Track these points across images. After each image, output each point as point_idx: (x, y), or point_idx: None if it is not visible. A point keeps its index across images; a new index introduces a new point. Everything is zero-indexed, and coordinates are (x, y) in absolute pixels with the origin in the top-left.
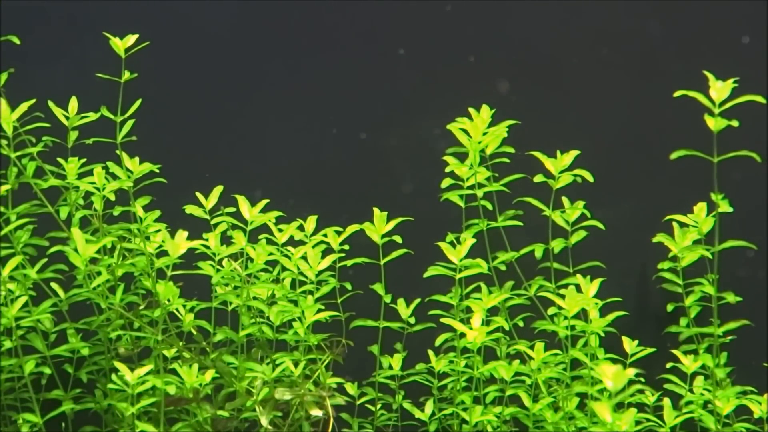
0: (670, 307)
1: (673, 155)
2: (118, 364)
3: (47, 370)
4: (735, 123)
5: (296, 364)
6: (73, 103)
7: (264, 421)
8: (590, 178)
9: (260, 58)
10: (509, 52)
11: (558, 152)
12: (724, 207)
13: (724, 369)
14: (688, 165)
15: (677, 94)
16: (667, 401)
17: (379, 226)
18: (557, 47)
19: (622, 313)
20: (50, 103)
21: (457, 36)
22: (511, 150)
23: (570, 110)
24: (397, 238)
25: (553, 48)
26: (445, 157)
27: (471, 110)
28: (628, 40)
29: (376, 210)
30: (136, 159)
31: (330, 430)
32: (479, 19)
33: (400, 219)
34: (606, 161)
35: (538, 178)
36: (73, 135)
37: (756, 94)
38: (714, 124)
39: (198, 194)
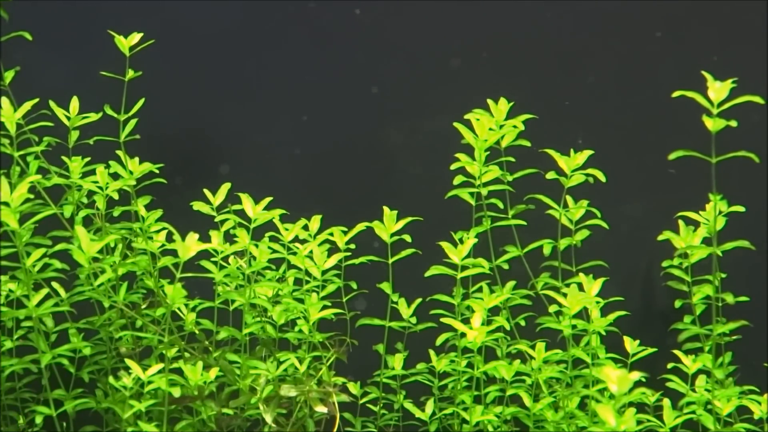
0: (678, 303)
1: (672, 155)
2: (130, 362)
3: (63, 360)
4: (734, 123)
5: (300, 362)
6: (75, 103)
7: (268, 419)
8: (602, 178)
9: (264, 55)
10: (515, 51)
11: (572, 150)
12: (736, 207)
13: (726, 368)
14: (696, 164)
15: (676, 94)
16: (666, 401)
17: (388, 225)
18: (562, 46)
19: (623, 312)
20: (51, 103)
21: (462, 33)
22: (527, 144)
23: (572, 109)
24: (407, 237)
25: (557, 47)
26: (458, 154)
27: (489, 101)
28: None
29: (386, 209)
30: (136, 159)
31: (336, 427)
32: (485, 17)
33: (409, 219)
34: (612, 160)
35: (551, 175)
36: (75, 135)
37: (755, 94)
38: (712, 124)
39: (206, 191)
